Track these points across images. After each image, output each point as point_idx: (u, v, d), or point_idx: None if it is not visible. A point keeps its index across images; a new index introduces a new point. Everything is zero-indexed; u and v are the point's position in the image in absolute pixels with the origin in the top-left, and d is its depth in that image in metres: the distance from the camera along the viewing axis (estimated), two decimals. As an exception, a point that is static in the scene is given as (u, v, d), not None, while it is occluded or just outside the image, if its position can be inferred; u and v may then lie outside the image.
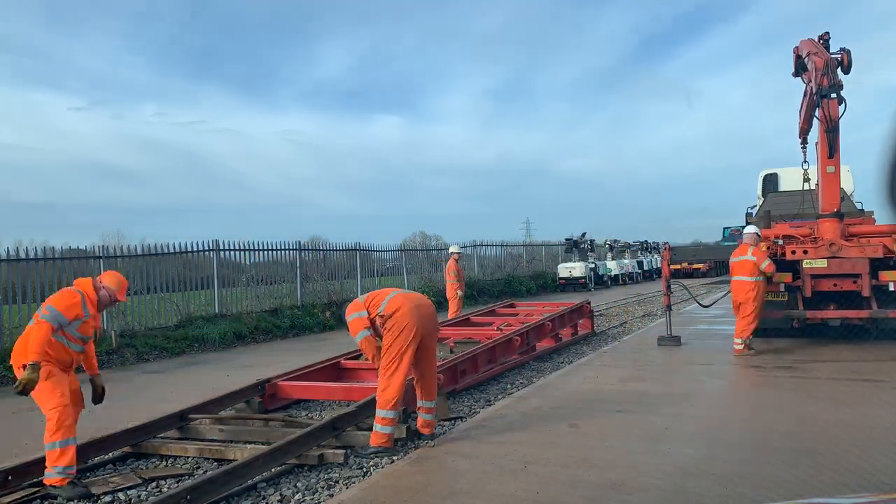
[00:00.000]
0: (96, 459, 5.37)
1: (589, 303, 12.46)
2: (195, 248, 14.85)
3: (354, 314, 5.32)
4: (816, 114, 9.13)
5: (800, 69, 10.22)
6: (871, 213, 11.72)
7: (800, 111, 11.07)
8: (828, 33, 9.84)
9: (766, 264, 8.61)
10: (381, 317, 5.19)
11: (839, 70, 8.97)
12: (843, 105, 8.82)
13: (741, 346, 8.77)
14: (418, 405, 5.48)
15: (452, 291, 14.12)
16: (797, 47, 10.16)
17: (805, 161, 11.21)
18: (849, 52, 9.25)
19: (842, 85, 8.82)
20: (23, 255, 11.82)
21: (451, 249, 15.08)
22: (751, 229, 9.07)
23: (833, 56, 9.12)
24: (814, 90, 8.98)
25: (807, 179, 11.01)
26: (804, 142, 11.39)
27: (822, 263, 8.74)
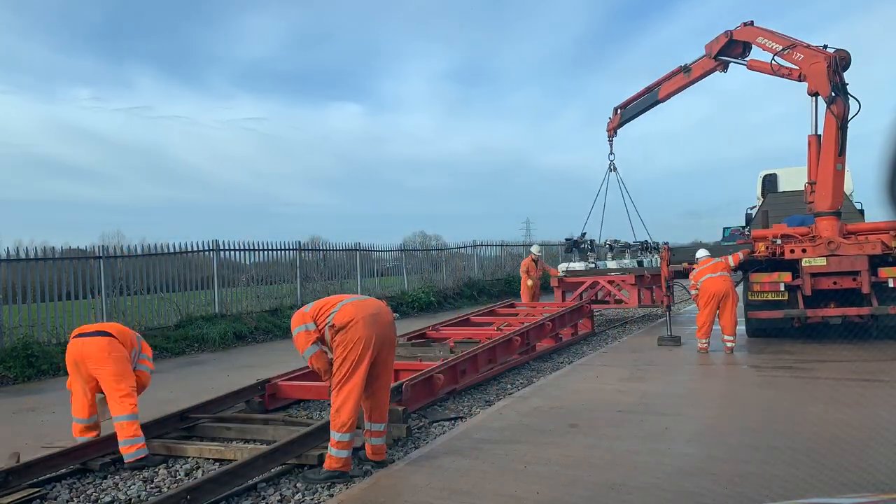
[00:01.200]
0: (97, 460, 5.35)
1: (589, 303, 12.45)
2: (195, 248, 14.85)
3: (300, 327, 4.77)
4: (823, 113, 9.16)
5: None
6: (862, 211, 11.74)
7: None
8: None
9: (732, 256, 9.38)
10: (332, 328, 4.65)
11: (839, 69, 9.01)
12: (849, 104, 8.90)
13: (732, 344, 9.16)
14: (366, 428, 4.85)
15: (525, 286, 15.58)
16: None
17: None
18: (848, 53, 9.27)
19: (846, 84, 8.91)
20: (23, 255, 11.81)
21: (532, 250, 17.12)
22: (702, 253, 9.82)
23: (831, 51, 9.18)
24: (822, 95, 9.05)
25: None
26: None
27: (822, 261, 8.74)
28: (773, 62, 9.92)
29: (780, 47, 9.75)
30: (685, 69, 12.26)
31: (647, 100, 13.72)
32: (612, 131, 15.16)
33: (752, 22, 10.74)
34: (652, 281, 14.44)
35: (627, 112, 14.56)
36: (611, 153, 15.60)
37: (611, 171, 15.87)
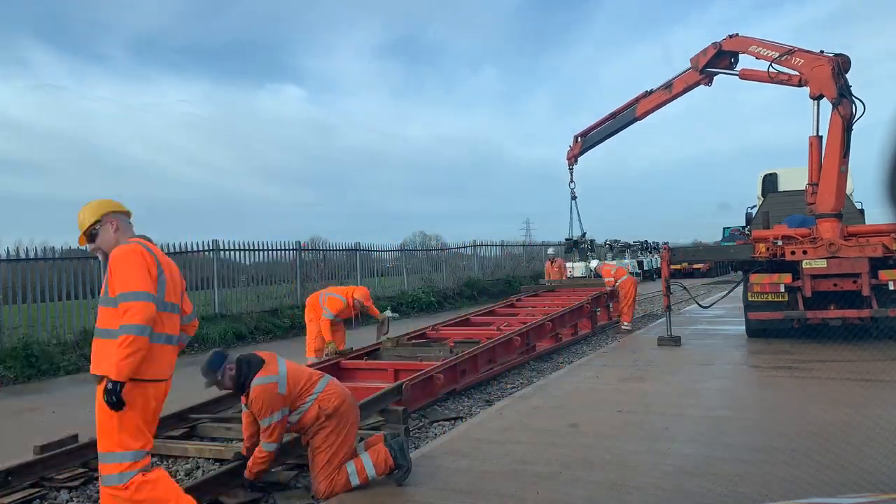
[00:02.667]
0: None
1: (589, 303, 12.45)
2: (195, 248, 14.85)
3: (277, 415, 4.08)
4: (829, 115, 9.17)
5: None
6: (862, 211, 11.74)
7: None
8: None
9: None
10: (321, 410, 4.16)
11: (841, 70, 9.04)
12: (854, 106, 8.93)
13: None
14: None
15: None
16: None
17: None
18: (848, 59, 9.32)
19: (849, 87, 8.94)
20: (23, 255, 11.82)
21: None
22: (594, 264, 11.59)
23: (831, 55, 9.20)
24: (828, 99, 9.06)
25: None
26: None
27: (822, 263, 8.73)
28: (771, 69, 9.90)
29: (777, 54, 9.74)
30: (666, 86, 12.12)
31: (619, 121, 13.45)
32: (573, 159, 14.86)
33: (738, 33, 10.72)
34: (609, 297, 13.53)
35: (590, 139, 14.38)
36: (571, 181, 15.31)
37: (572, 198, 15.59)
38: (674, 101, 12.27)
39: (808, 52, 9.46)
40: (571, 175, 15.25)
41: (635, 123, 13.18)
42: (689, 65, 11.59)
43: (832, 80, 8.94)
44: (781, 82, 9.80)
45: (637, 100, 12.84)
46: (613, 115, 13.55)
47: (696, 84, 11.61)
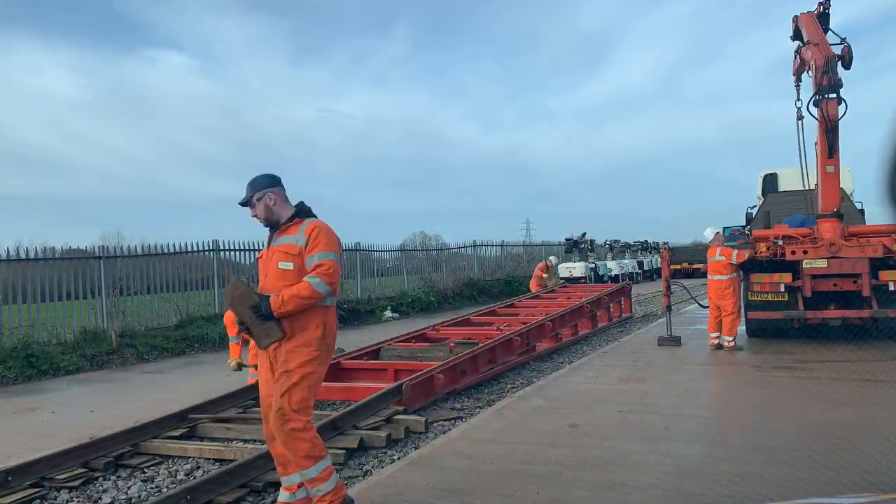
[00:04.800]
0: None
1: (590, 303, 12.46)
2: (195, 249, 14.86)
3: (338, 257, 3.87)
4: (815, 114, 9.10)
5: (797, 37, 10.07)
6: (862, 211, 11.71)
7: (795, 53, 10.65)
8: (828, 1, 9.65)
9: (737, 254, 9.17)
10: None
11: (839, 66, 8.92)
12: (843, 105, 8.81)
13: (731, 344, 9.24)
14: None
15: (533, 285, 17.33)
16: (797, 18, 10.03)
17: (798, 99, 10.36)
18: (849, 46, 9.19)
19: (841, 83, 8.79)
20: (23, 255, 11.82)
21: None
22: (709, 232, 9.75)
23: (833, 50, 9.05)
24: (813, 89, 8.96)
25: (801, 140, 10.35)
26: (798, 80, 10.86)
27: (822, 263, 8.73)
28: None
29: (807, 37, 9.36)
30: None
31: None
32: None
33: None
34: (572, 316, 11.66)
35: None
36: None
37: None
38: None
39: (822, 39, 9.18)
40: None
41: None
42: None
43: (819, 75, 8.78)
44: (806, 60, 9.54)
45: None
46: None
47: None
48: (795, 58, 10.84)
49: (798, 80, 11.17)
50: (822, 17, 9.61)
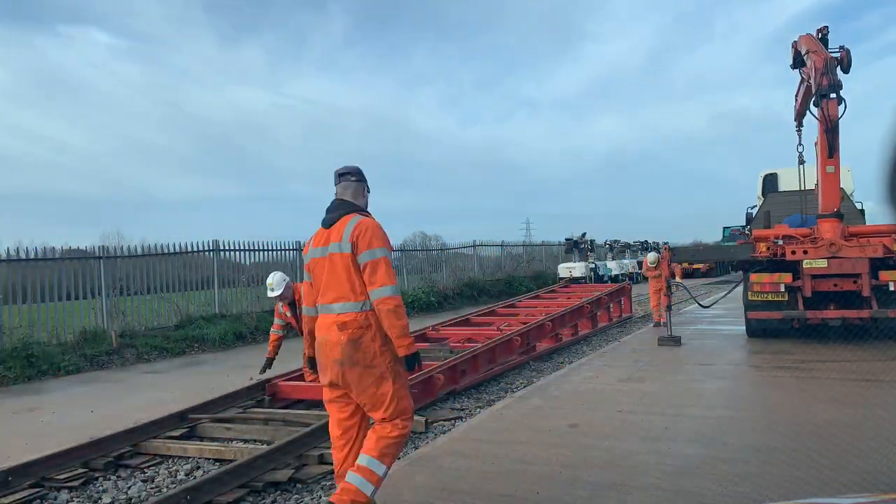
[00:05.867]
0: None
1: (590, 303, 12.46)
2: (195, 249, 14.86)
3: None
4: (815, 113, 9.11)
5: (798, 63, 10.22)
6: (863, 211, 11.73)
7: (796, 96, 11.05)
8: (826, 27, 9.82)
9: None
10: None
11: (838, 69, 8.95)
12: (842, 105, 8.82)
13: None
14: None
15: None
16: (796, 42, 10.14)
17: (800, 144, 11.12)
18: (848, 51, 9.23)
19: (841, 84, 8.80)
20: (23, 256, 11.82)
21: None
22: (652, 256, 10.72)
23: (832, 54, 9.10)
24: (813, 90, 8.97)
25: (802, 162, 10.95)
26: (799, 125, 11.36)
27: (822, 263, 8.73)
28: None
29: (806, 48, 9.53)
30: None
31: None
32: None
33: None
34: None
35: None
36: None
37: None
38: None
39: (820, 47, 9.29)
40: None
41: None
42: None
43: (818, 76, 8.84)
44: (805, 77, 9.74)
45: None
46: None
47: None
48: (796, 97, 10.97)
49: (799, 124, 11.30)
50: (822, 42, 9.65)
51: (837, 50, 9.28)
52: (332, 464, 4.91)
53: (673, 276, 13.27)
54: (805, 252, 8.85)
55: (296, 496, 4.49)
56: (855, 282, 8.63)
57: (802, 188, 10.78)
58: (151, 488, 4.79)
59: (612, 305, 14.00)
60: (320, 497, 4.45)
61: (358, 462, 3.29)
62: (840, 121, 8.89)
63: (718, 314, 13.34)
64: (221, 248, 15.32)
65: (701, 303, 12.09)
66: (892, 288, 8.54)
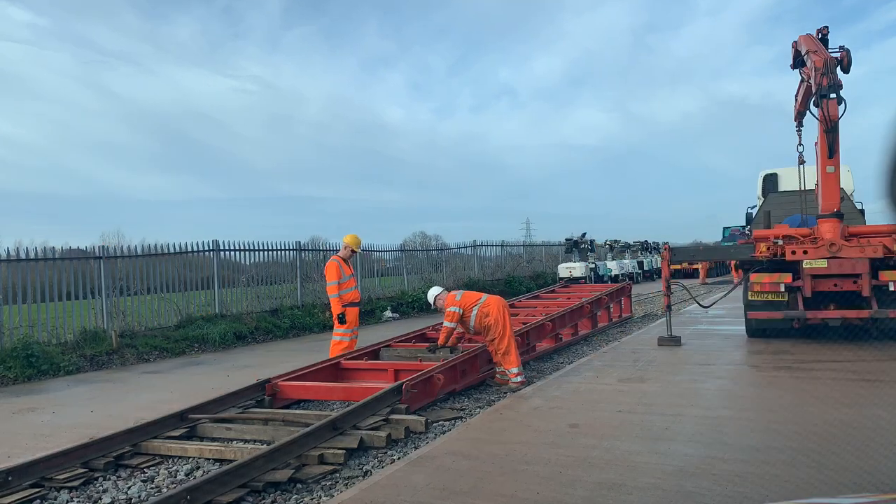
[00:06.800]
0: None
1: (590, 303, 12.46)
2: (195, 249, 14.85)
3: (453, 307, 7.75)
4: (815, 113, 9.12)
5: (798, 63, 10.25)
6: (862, 211, 11.74)
7: (795, 96, 11.09)
8: (826, 27, 9.84)
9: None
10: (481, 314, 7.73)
11: (838, 69, 8.96)
12: (842, 105, 8.83)
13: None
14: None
15: None
16: (796, 42, 10.15)
17: (800, 144, 11.20)
18: (848, 52, 9.24)
19: (841, 85, 8.81)
20: (23, 256, 11.82)
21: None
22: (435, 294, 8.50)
23: (832, 55, 9.11)
24: (813, 90, 8.98)
25: (802, 162, 11.01)
26: (799, 125, 11.43)
27: (822, 264, 8.73)
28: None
29: (806, 48, 9.59)
30: None
31: None
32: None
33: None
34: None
35: None
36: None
37: None
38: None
39: (820, 47, 9.31)
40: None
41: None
42: None
43: (818, 76, 8.84)
44: (805, 78, 9.77)
45: None
46: None
47: None
48: (796, 97, 10.98)
49: (799, 124, 11.32)
50: (822, 42, 9.66)
51: (837, 50, 9.29)
52: (332, 464, 4.94)
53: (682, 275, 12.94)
54: (805, 252, 8.85)
55: (296, 496, 4.49)
56: (855, 282, 8.63)
57: (802, 188, 10.80)
58: (151, 488, 4.79)
59: (612, 305, 13.99)
60: (320, 497, 4.46)
61: None
62: (840, 121, 8.91)
63: (718, 314, 13.34)
64: (221, 248, 15.32)
65: (701, 303, 12.08)
66: (892, 288, 8.55)
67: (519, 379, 7.53)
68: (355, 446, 5.28)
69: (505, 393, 7.45)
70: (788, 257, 8.96)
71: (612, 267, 30.50)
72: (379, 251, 20.93)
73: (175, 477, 5.01)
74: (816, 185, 9.71)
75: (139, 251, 13.85)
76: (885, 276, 8.58)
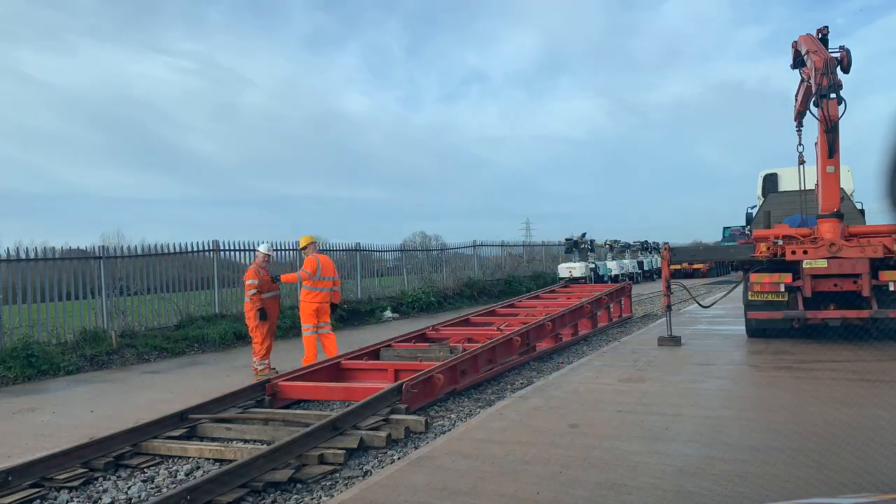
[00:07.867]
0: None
1: (590, 303, 12.46)
2: (195, 249, 14.85)
3: None
4: (815, 113, 9.12)
5: (798, 63, 10.25)
6: (862, 211, 11.73)
7: (795, 96, 11.10)
8: (826, 28, 9.84)
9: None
10: None
11: (838, 69, 8.96)
12: (842, 105, 8.83)
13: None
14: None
15: None
16: (796, 42, 10.15)
17: (800, 144, 11.23)
18: (848, 52, 9.24)
19: (841, 85, 8.81)
20: (23, 256, 11.82)
21: None
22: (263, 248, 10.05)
23: (832, 55, 9.11)
24: (813, 90, 8.98)
25: (802, 162, 11.03)
26: (799, 125, 11.45)
27: (822, 264, 8.73)
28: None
29: (806, 48, 9.58)
30: None
31: None
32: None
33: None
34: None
35: None
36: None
37: None
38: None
39: (820, 47, 9.32)
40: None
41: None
42: None
43: (818, 76, 8.83)
44: (805, 78, 9.78)
45: None
46: None
47: None
48: (796, 97, 10.98)
49: (799, 124, 11.32)
50: (822, 42, 9.66)
51: (837, 50, 9.29)
52: (332, 464, 4.94)
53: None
54: (805, 252, 8.85)
55: (296, 496, 4.49)
56: (855, 282, 8.63)
57: (802, 188, 10.80)
58: (151, 488, 4.79)
59: (612, 305, 13.99)
60: (320, 497, 4.46)
61: None
62: (840, 120, 8.91)
63: (718, 314, 13.34)
64: (221, 248, 15.32)
65: (701, 303, 12.09)
66: (892, 288, 8.54)
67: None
68: (355, 446, 5.28)
69: (505, 393, 7.45)
70: (788, 257, 8.96)
71: (612, 267, 30.51)
72: (379, 251, 20.93)
73: (175, 477, 5.01)
74: (816, 185, 9.71)
75: (139, 251, 13.85)
76: (885, 276, 8.58)
